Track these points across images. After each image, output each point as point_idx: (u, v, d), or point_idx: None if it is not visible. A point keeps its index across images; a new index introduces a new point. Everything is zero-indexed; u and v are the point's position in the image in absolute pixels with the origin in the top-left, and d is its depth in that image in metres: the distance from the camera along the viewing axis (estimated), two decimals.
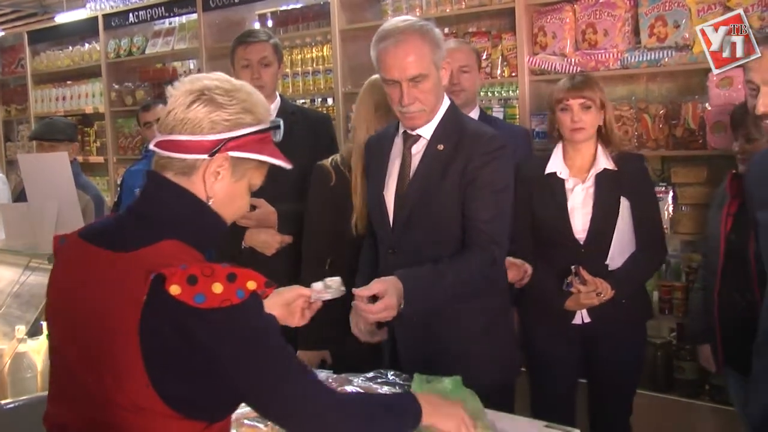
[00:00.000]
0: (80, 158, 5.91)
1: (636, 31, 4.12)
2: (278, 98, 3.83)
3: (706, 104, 3.84)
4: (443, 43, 2.81)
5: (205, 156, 1.78)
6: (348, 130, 5.10)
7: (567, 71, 4.18)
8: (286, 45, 5.55)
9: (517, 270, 3.18)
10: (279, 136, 1.93)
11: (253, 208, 3.50)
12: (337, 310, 2.66)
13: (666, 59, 3.94)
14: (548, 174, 3.37)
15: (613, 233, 3.29)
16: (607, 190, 3.31)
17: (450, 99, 2.87)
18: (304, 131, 3.70)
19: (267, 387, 1.73)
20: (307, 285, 2.46)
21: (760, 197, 2.52)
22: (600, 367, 3.42)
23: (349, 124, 4.20)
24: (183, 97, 1.79)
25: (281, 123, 1.93)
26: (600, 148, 3.36)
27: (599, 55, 4.15)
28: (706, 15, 3.79)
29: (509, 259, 3.04)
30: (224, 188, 1.82)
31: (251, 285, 1.66)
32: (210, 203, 1.81)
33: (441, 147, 2.78)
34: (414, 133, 2.81)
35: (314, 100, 5.78)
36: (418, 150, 2.82)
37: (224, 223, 1.87)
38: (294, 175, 3.64)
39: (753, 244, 2.94)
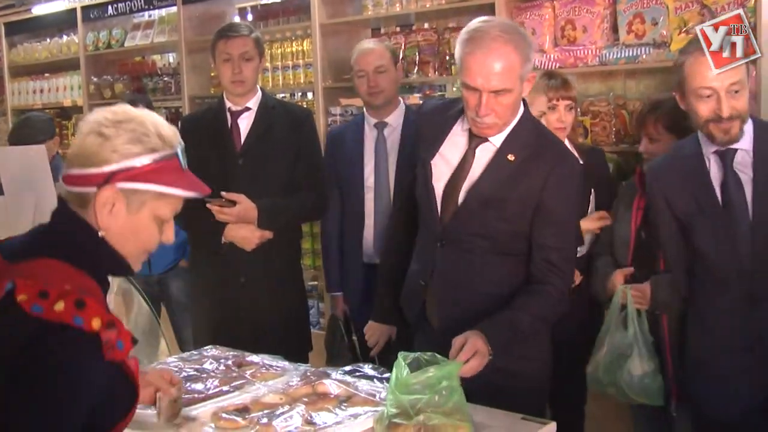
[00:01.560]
0: (60, 151, 5.87)
1: (614, 28, 4.14)
2: (259, 92, 3.83)
3: None
4: (533, 53, 2.71)
5: (94, 188, 1.77)
6: (328, 124, 5.11)
7: (546, 67, 4.20)
8: (266, 39, 5.53)
9: None
10: (184, 162, 1.87)
11: (233, 203, 3.50)
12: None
13: (644, 56, 3.97)
14: None
15: None
16: None
17: (524, 107, 2.78)
18: (286, 126, 3.70)
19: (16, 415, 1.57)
20: None
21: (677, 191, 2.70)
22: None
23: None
24: (82, 130, 1.82)
25: (179, 149, 1.86)
26: (567, 143, 3.43)
27: (578, 52, 4.17)
28: (683, 12, 3.81)
29: None
30: (119, 221, 1.80)
31: (95, 323, 1.60)
32: (101, 235, 1.79)
33: (512, 157, 2.71)
34: (482, 135, 2.75)
35: (294, 95, 5.78)
36: (483, 153, 2.75)
37: (118, 255, 1.83)
38: (275, 170, 3.69)
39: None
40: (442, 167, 2.81)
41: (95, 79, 6.92)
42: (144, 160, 1.78)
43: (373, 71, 4.01)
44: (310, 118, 4.03)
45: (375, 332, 3.25)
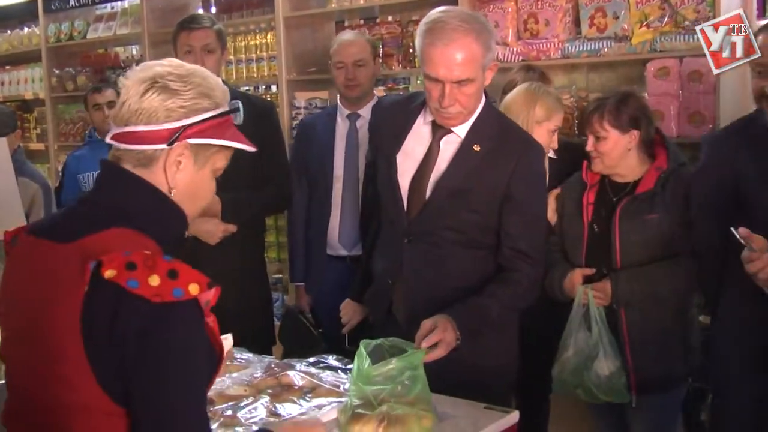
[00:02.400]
0: (21, 145, 5.80)
1: (576, 22, 4.18)
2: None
3: (645, 93, 3.91)
4: (494, 42, 2.69)
5: (164, 146, 1.72)
6: (293, 117, 5.10)
7: (509, 60, 4.24)
8: (230, 32, 5.51)
9: None
10: (239, 118, 1.88)
11: None
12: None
13: (605, 49, 4.01)
14: None
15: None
16: (549, 178, 3.37)
17: (486, 97, 2.78)
18: (249, 119, 3.66)
19: (155, 401, 1.59)
20: None
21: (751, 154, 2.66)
22: None
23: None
24: (136, 86, 1.73)
25: (240, 105, 1.88)
26: None
27: (540, 45, 4.20)
28: (644, 7, 3.86)
29: None
30: (187, 178, 1.77)
31: (193, 289, 1.57)
32: (172, 194, 1.75)
33: (477, 148, 2.70)
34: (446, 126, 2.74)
35: (258, 88, 5.76)
36: (448, 145, 2.75)
37: (184, 216, 1.80)
38: (238, 163, 3.66)
39: (617, 231, 3.08)
40: (406, 162, 2.80)
41: (57, 72, 6.83)
42: (211, 113, 1.76)
43: (352, 64, 4.01)
44: (274, 111, 4.01)
45: (349, 310, 3.21)
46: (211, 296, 1.63)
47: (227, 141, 1.80)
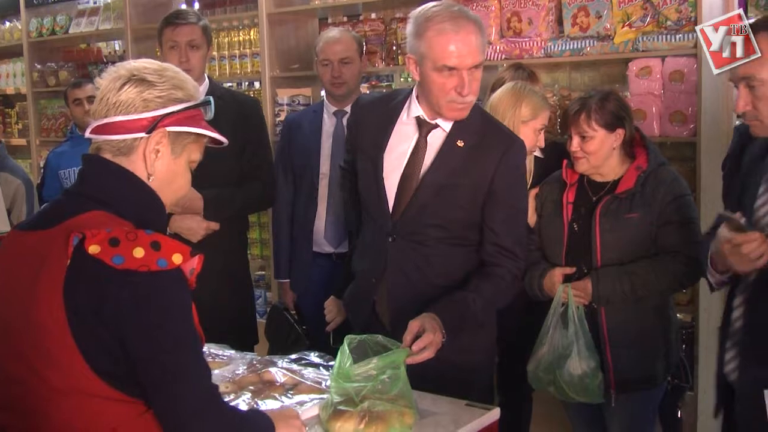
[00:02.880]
0: (2, 140, 5.77)
1: (559, 21, 4.20)
2: (207, 81, 3.78)
3: (627, 93, 3.93)
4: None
5: (143, 134, 1.81)
6: (276, 114, 5.10)
7: (492, 59, 4.25)
8: (213, 28, 5.47)
9: None
10: (210, 113, 1.95)
11: None
12: None
13: (588, 48, 4.03)
14: None
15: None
16: (535, 175, 3.44)
17: None
18: (233, 116, 3.64)
19: (158, 363, 1.69)
20: None
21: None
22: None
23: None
24: (113, 82, 1.83)
25: (212, 100, 1.95)
26: None
27: (524, 43, 4.21)
28: (626, 6, 3.88)
29: None
30: (165, 166, 1.85)
31: (176, 258, 1.67)
32: (150, 181, 1.84)
33: (461, 143, 2.72)
34: (433, 121, 2.74)
35: (241, 84, 5.75)
36: (433, 140, 2.75)
37: (161, 202, 1.88)
38: (222, 160, 3.63)
39: (597, 230, 3.08)
40: (392, 160, 2.80)
41: (39, 67, 6.80)
42: (186, 105, 1.85)
43: (338, 61, 3.99)
44: (259, 108, 4.01)
45: (334, 308, 3.22)
46: (195, 264, 1.73)
47: (202, 129, 1.89)
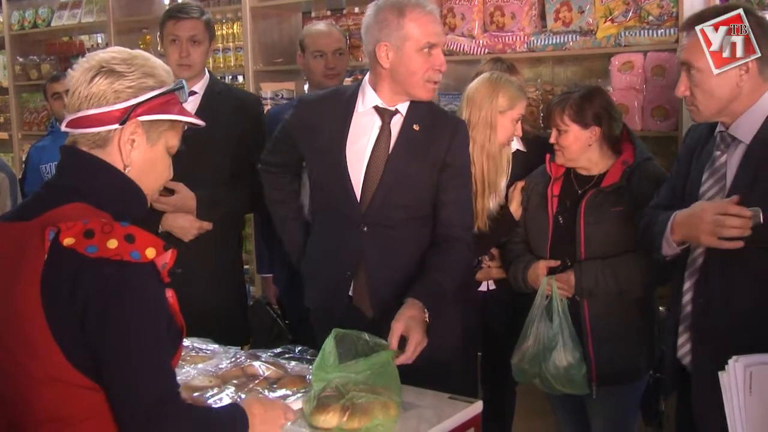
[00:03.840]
0: None
1: (542, 15, 4.21)
2: (207, 76, 3.70)
3: (609, 87, 3.95)
4: None
5: (116, 125, 1.81)
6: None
7: (475, 53, 4.26)
8: None
9: None
10: (184, 96, 1.94)
11: (171, 192, 3.38)
12: None
13: (571, 43, 4.04)
14: None
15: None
16: (518, 170, 3.44)
17: None
18: (231, 112, 3.60)
19: (120, 355, 1.68)
20: None
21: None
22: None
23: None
24: (84, 74, 1.83)
25: (184, 83, 1.94)
26: None
27: (507, 38, 4.22)
28: (609, 2, 3.89)
29: None
30: (141, 155, 1.86)
31: (150, 252, 1.68)
32: (127, 172, 1.84)
33: (416, 127, 2.84)
34: (393, 108, 2.85)
35: (225, 78, 5.73)
36: (395, 125, 2.85)
37: (141, 192, 1.89)
38: (217, 158, 3.58)
39: (582, 223, 3.11)
40: (354, 152, 2.85)
41: (21, 60, 6.77)
42: (158, 92, 1.85)
43: (333, 53, 4.00)
44: (257, 105, 3.93)
45: None
46: (167, 259, 1.73)
47: (176, 115, 1.88)
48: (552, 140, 3.18)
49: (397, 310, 2.60)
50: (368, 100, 2.86)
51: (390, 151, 2.82)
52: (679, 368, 2.68)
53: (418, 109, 2.86)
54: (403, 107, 2.85)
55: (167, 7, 3.77)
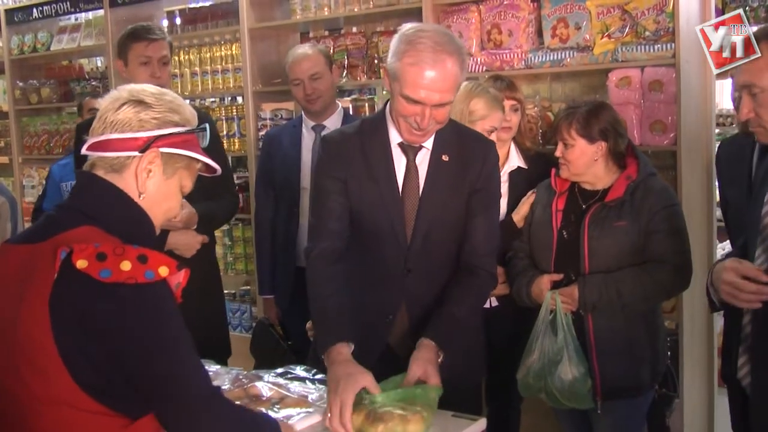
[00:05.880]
0: None
1: (539, 32, 4.23)
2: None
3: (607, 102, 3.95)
4: (467, 60, 2.71)
5: (136, 153, 1.85)
6: (258, 129, 5.10)
7: (473, 71, 4.27)
8: (195, 43, 5.53)
9: None
10: (205, 141, 1.99)
11: None
12: None
13: (568, 59, 4.05)
14: None
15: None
16: (520, 187, 3.46)
17: None
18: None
19: (155, 371, 1.74)
20: None
21: (729, 176, 2.62)
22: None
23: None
24: (112, 103, 1.88)
25: (207, 127, 1.99)
26: (513, 146, 3.57)
27: (504, 55, 4.24)
28: (605, 18, 3.91)
29: None
30: (156, 185, 1.89)
31: (163, 271, 1.71)
32: (141, 199, 1.88)
33: (446, 158, 2.68)
34: (416, 144, 2.68)
35: (224, 99, 5.76)
36: (421, 161, 2.70)
37: (151, 221, 1.92)
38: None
39: (586, 238, 3.11)
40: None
41: (21, 84, 6.78)
42: (181, 129, 1.90)
43: (309, 78, 4.01)
44: (211, 119, 4.03)
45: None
46: (181, 278, 1.77)
47: (195, 153, 1.93)
48: (558, 154, 3.19)
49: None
50: (392, 134, 2.70)
51: (421, 190, 2.69)
52: (739, 388, 2.64)
53: (444, 136, 2.68)
54: (428, 141, 2.67)
55: (127, 31, 3.76)
